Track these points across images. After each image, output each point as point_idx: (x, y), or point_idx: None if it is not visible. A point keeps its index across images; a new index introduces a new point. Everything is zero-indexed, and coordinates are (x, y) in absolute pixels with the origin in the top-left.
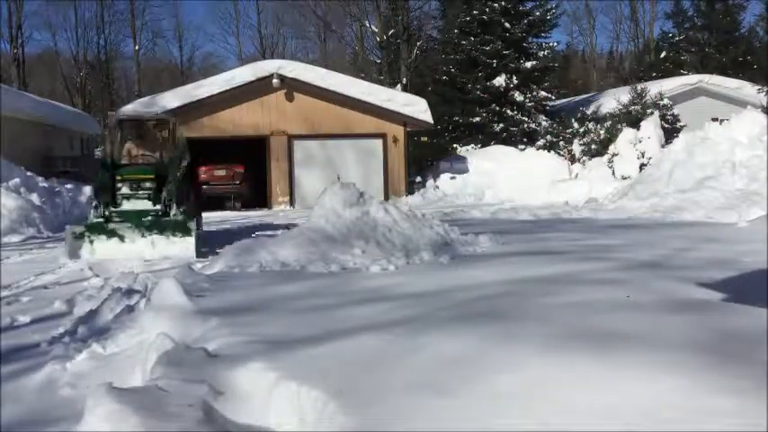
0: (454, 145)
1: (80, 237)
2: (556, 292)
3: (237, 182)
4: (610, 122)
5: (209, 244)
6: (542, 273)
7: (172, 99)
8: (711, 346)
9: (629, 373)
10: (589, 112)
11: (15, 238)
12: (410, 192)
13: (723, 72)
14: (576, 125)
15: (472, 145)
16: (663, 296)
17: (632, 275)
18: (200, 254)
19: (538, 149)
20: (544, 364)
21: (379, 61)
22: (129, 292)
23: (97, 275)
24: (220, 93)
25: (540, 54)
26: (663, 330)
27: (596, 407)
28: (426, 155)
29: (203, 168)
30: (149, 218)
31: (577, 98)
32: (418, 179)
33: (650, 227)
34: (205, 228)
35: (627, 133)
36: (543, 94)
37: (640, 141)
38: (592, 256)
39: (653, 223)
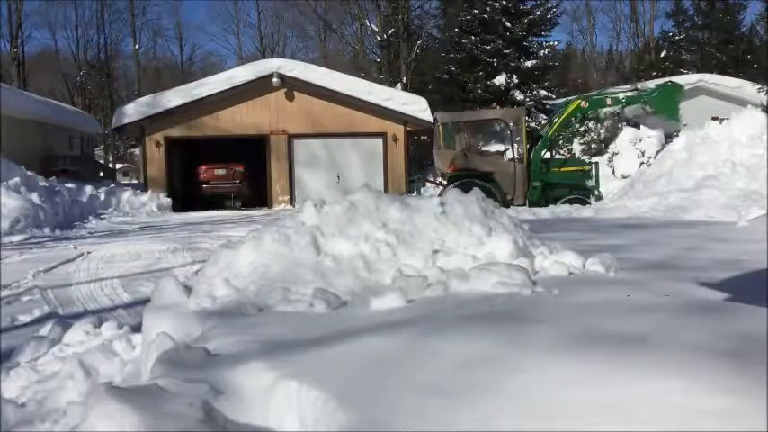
0: None
1: None
2: (560, 293)
3: (238, 181)
4: (610, 122)
5: None
6: (549, 274)
7: (173, 98)
8: (712, 346)
9: (629, 373)
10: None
11: (15, 238)
12: (410, 191)
13: (723, 71)
14: (576, 124)
15: None
16: (669, 297)
17: (638, 276)
18: None
19: None
20: (547, 365)
21: (379, 60)
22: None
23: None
24: (221, 92)
25: (541, 53)
26: (664, 331)
27: (597, 407)
28: (426, 155)
29: (203, 168)
30: None
31: None
32: (418, 178)
33: (652, 226)
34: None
35: (627, 132)
36: (543, 93)
37: (640, 140)
38: (596, 256)
39: (654, 223)
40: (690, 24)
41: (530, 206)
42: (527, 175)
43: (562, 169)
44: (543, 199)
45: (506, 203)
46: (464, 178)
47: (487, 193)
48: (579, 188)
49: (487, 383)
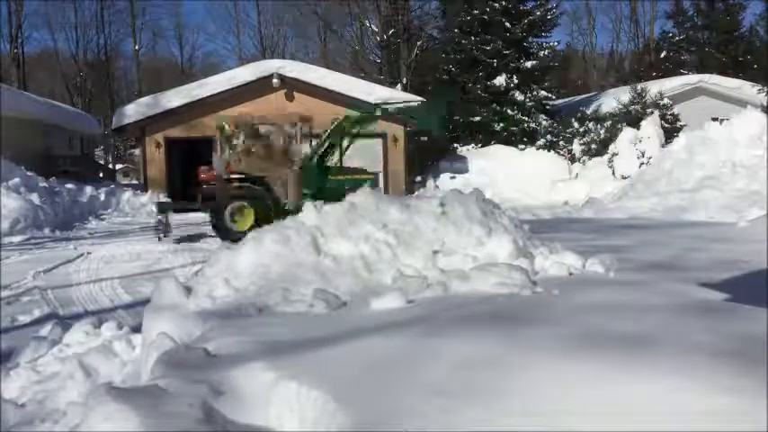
0: (454, 145)
1: None
2: (560, 294)
3: None
4: (610, 122)
5: None
6: (549, 274)
7: (173, 98)
8: (712, 346)
9: (629, 373)
10: (589, 111)
11: (16, 239)
12: (410, 192)
13: (723, 72)
14: (576, 125)
15: (472, 145)
16: (670, 297)
17: (638, 276)
18: None
19: (538, 149)
20: (547, 365)
21: (379, 61)
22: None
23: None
24: (221, 92)
25: (541, 54)
26: (664, 331)
27: (597, 407)
28: (426, 155)
29: (203, 168)
30: None
31: (578, 98)
32: (418, 179)
33: (652, 227)
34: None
35: (627, 133)
36: (543, 93)
37: (640, 141)
38: (596, 257)
39: (655, 223)
40: (690, 25)
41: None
42: (301, 182)
43: (337, 177)
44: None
45: (280, 208)
46: (239, 182)
47: (260, 197)
48: None
49: (488, 383)
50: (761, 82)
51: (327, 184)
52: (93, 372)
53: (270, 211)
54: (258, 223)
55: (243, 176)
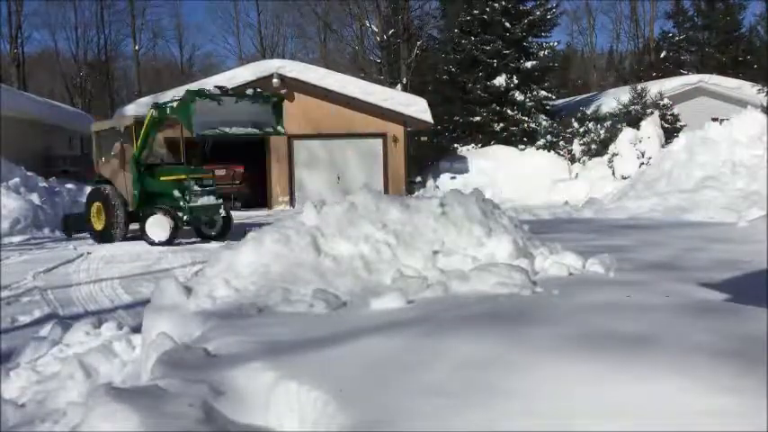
0: (454, 145)
1: None
2: (560, 294)
3: (237, 182)
4: (610, 122)
5: None
6: (549, 274)
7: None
8: (712, 346)
9: (629, 373)
10: (589, 111)
11: (15, 239)
12: (410, 192)
13: (723, 72)
14: (576, 125)
15: (472, 145)
16: (670, 297)
17: (638, 276)
18: None
19: (538, 149)
20: (547, 365)
21: (379, 61)
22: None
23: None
24: None
25: (541, 54)
26: (665, 331)
27: (598, 407)
28: (426, 155)
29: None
30: None
31: (577, 98)
32: (418, 179)
33: (652, 227)
34: None
35: (627, 133)
36: (543, 93)
37: (640, 141)
38: (596, 257)
39: (655, 223)
40: (690, 25)
41: (142, 215)
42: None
43: (161, 178)
44: (149, 208)
45: (126, 211)
46: (99, 183)
47: (111, 199)
48: (174, 199)
49: (488, 384)
50: (761, 82)
51: (152, 186)
52: (93, 372)
53: (115, 215)
54: (106, 226)
55: (100, 178)
